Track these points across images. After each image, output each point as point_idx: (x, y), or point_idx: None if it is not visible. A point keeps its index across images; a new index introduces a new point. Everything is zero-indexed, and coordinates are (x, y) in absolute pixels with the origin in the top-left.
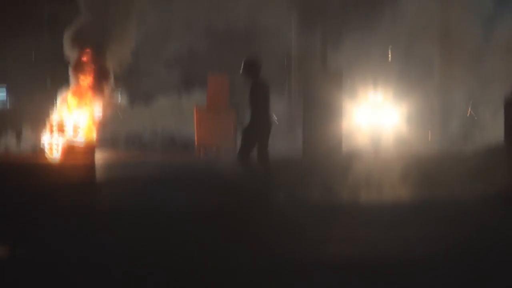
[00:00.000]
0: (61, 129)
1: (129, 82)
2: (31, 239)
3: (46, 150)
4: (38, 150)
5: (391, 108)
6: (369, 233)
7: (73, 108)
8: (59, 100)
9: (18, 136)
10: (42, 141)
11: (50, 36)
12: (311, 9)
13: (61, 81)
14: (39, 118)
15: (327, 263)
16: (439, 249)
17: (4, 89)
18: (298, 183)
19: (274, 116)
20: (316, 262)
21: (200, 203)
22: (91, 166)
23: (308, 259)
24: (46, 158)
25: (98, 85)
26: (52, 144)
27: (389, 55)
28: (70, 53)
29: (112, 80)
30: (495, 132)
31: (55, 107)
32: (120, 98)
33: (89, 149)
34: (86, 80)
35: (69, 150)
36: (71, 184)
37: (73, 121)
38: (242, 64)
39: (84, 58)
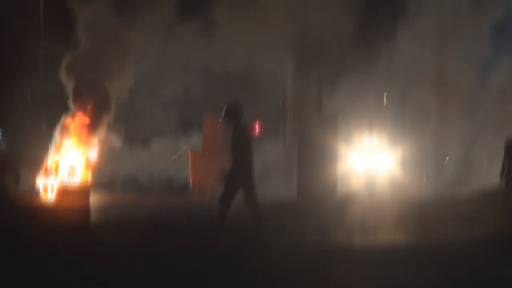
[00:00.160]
0: (55, 170)
1: (126, 124)
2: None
3: (41, 191)
4: (33, 192)
5: (386, 152)
6: (364, 275)
7: (68, 149)
8: (54, 141)
9: (15, 178)
10: (37, 183)
11: (45, 76)
12: (307, 53)
13: (56, 122)
14: (34, 160)
15: None
16: None
17: None
18: (293, 226)
19: (270, 158)
20: None
21: (194, 245)
22: (85, 208)
23: None
24: (40, 200)
25: (94, 127)
26: (47, 186)
27: (385, 100)
28: (66, 93)
29: (108, 121)
30: (489, 176)
31: (50, 149)
32: (117, 140)
33: (84, 190)
34: (82, 121)
35: (63, 191)
36: (64, 225)
37: (68, 163)
38: (224, 110)
39: (80, 100)
